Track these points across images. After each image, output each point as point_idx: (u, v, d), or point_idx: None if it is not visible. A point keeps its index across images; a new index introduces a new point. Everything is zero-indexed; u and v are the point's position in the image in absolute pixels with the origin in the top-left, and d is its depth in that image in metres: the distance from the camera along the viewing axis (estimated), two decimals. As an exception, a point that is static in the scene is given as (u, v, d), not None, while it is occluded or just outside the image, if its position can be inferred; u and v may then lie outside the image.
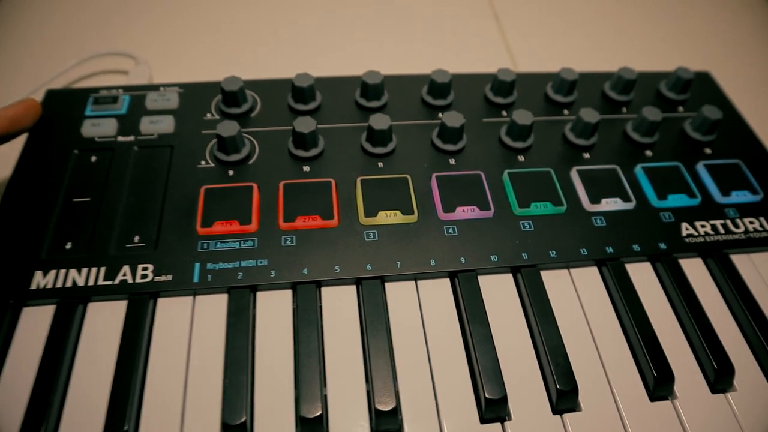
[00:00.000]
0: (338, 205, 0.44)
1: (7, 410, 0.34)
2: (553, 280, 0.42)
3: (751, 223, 0.46)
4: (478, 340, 0.38)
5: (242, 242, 0.41)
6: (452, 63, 0.56)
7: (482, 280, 0.41)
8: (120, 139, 0.47)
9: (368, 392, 0.36)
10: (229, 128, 0.45)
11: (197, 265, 0.40)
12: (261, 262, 0.40)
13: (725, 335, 0.40)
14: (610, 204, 0.45)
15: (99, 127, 0.48)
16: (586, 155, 0.49)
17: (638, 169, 0.48)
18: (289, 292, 0.40)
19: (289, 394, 0.36)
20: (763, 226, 0.46)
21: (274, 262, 0.40)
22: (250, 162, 0.46)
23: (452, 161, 0.47)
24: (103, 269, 0.40)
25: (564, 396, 0.36)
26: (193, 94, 0.51)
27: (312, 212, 0.42)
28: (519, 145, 0.48)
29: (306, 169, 0.46)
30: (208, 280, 0.39)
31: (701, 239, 0.45)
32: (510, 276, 0.42)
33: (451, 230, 0.43)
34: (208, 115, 0.50)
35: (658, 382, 0.37)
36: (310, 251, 0.41)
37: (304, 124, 0.45)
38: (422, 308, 0.40)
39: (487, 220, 0.44)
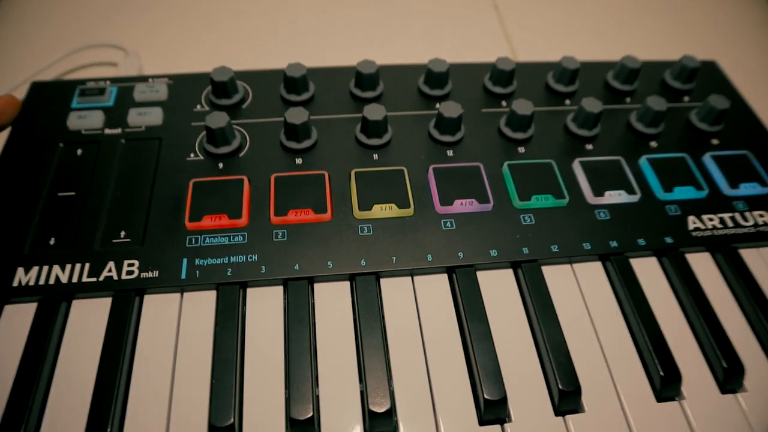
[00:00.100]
0: (331, 198, 0.42)
1: (-15, 412, 0.33)
2: (555, 276, 0.40)
3: (761, 216, 0.45)
4: (477, 338, 0.36)
5: (232, 237, 0.40)
6: (450, 52, 0.54)
7: (481, 275, 0.39)
8: (107, 131, 0.46)
9: (362, 392, 0.34)
10: (218, 120, 0.43)
11: (185, 261, 0.38)
12: (251, 258, 0.39)
13: (735, 333, 0.38)
14: (614, 197, 0.44)
15: (85, 120, 0.46)
16: (589, 146, 0.48)
17: (643, 161, 0.47)
18: (280, 289, 0.38)
19: (279, 394, 0.34)
20: (773, 218, 0.44)
21: (264, 258, 0.39)
22: (241, 154, 0.45)
23: (450, 153, 0.46)
24: (87, 265, 0.38)
25: (566, 397, 0.34)
26: (183, 86, 0.49)
27: (304, 206, 0.41)
28: (519, 136, 0.47)
29: (298, 161, 0.44)
30: (196, 277, 0.38)
31: (709, 233, 0.43)
32: (510, 271, 0.40)
33: (448, 224, 0.41)
34: (198, 106, 0.48)
35: (665, 382, 0.35)
36: (302, 246, 0.39)
37: (296, 115, 0.43)
38: (418, 305, 0.38)
39: (486, 213, 0.42)
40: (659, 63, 0.55)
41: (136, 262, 0.38)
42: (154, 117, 0.47)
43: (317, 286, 0.39)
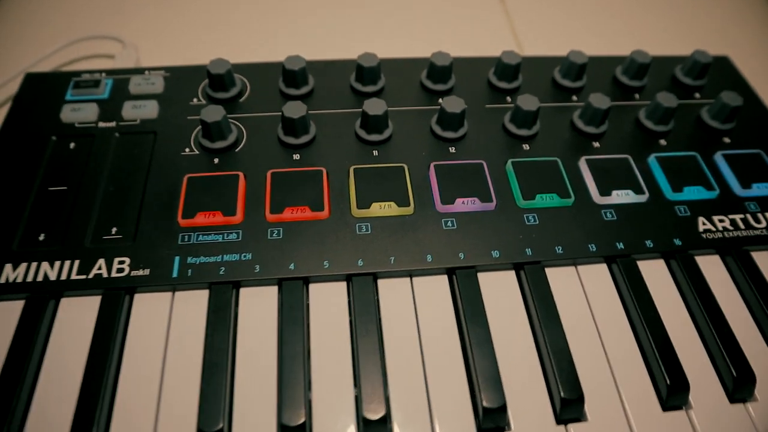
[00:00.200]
0: (329, 195, 0.41)
1: (-32, 413, 0.32)
2: (559, 278, 0.39)
3: (774, 217, 0.43)
4: (477, 342, 0.35)
5: (225, 235, 0.39)
6: (454, 46, 0.53)
7: (482, 277, 0.38)
8: (101, 124, 0.45)
9: (356, 397, 0.33)
10: (214, 113, 0.42)
11: (177, 259, 0.37)
12: (245, 257, 0.38)
13: (745, 339, 0.37)
14: (621, 196, 0.42)
15: (79, 113, 0.45)
16: (596, 144, 0.46)
17: (652, 159, 0.45)
18: (274, 289, 0.37)
19: (271, 399, 0.33)
20: (787, 221, 0.43)
21: (258, 257, 0.38)
22: (237, 149, 0.43)
23: (452, 149, 0.44)
24: (77, 262, 0.37)
25: (569, 405, 0.33)
26: (179, 78, 0.48)
27: (301, 203, 0.40)
28: (524, 132, 0.45)
29: (296, 157, 0.43)
30: (187, 275, 0.37)
31: (719, 235, 0.42)
32: (512, 273, 0.39)
33: (449, 223, 0.40)
34: (195, 100, 0.47)
35: (672, 391, 0.34)
36: (298, 245, 0.38)
37: (294, 109, 0.42)
38: (417, 307, 0.37)
39: (489, 212, 0.41)
40: (670, 58, 0.54)
41: (127, 260, 0.37)
42: (149, 110, 0.46)
43: (312, 287, 0.37)
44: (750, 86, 0.53)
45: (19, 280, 0.36)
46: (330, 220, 0.39)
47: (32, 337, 0.34)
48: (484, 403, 0.32)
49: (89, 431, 0.31)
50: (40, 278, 0.36)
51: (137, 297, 0.37)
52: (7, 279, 0.36)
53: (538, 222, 0.41)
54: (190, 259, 0.37)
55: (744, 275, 0.40)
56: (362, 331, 0.35)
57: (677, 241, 0.41)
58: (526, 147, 0.45)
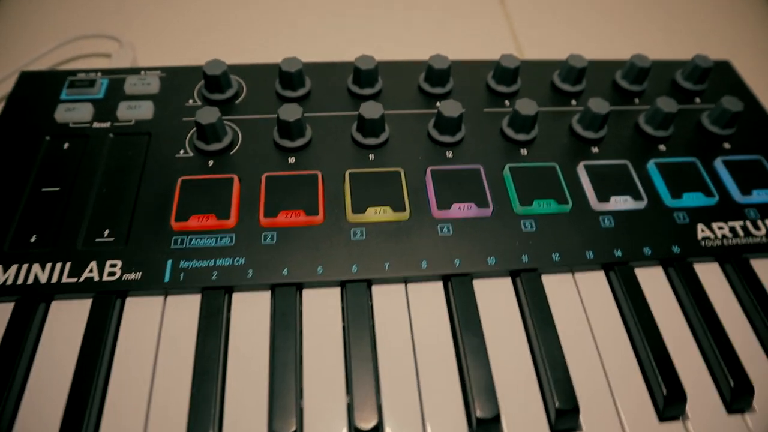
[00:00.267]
0: (324, 200, 0.40)
1: (-45, 418, 0.31)
2: (556, 286, 0.38)
3: (774, 225, 0.43)
4: (471, 351, 0.34)
5: (219, 239, 0.38)
6: (453, 48, 0.52)
7: (478, 284, 0.38)
8: (95, 125, 0.45)
9: (349, 405, 0.33)
10: (208, 115, 0.42)
11: (169, 263, 0.37)
12: (238, 261, 0.37)
13: (744, 349, 0.37)
14: (620, 203, 0.42)
15: (73, 112, 0.45)
16: (595, 149, 0.46)
17: (651, 165, 0.45)
18: (267, 294, 0.37)
19: (262, 406, 0.33)
20: (787, 229, 0.42)
21: (252, 261, 0.37)
22: (232, 152, 0.43)
23: (449, 154, 0.44)
24: (68, 265, 0.37)
25: (563, 415, 0.32)
26: (176, 79, 0.48)
27: (296, 207, 0.39)
28: (522, 137, 0.45)
29: (291, 160, 0.43)
30: (180, 280, 0.36)
31: (718, 242, 0.41)
32: (509, 280, 0.39)
33: (445, 229, 0.39)
34: (190, 101, 0.46)
35: (669, 401, 0.34)
36: (292, 250, 0.38)
37: (290, 112, 0.42)
38: (411, 314, 0.36)
39: (485, 218, 0.40)
40: (670, 62, 0.53)
41: (119, 263, 0.37)
42: (144, 111, 0.45)
43: (306, 293, 0.37)
44: (751, 91, 0.53)
45: (9, 282, 0.36)
46: (324, 225, 0.39)
47: (21, 340, 0.34)
48: (478, 413, 0.32)
49: (77, 437, 0.31)
50: (30, 281, 0.36)
51: (129, 301, 0.36)
52: (-2, 281, 0.36)
53: (535, 228, 0.40)
54: (182, 263, 0.37)
55: (743, 284, 0.40)
56: (355, 339, 0.34)
57: (676, 249, 0.40)
58: (524, 152, 0.45)
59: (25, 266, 0.37)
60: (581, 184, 0.43)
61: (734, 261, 0.41)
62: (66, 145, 0.43)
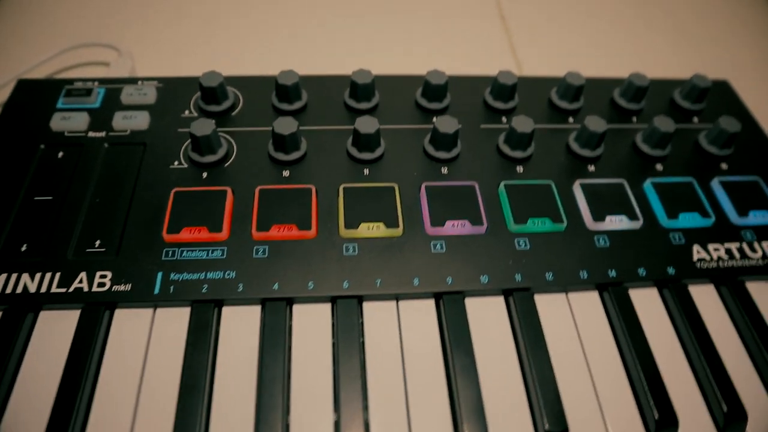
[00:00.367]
0: (317, 214, 0.40)
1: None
2: (549, 306, 0.38)
3: (770, 247, 0.42)
4: (461, 370, 0.34)
5: (210, 251, 0.38)
6: (453, 63, 0.53)
7: (470, 302, 0.37)
8: (91, 134, 0.44)
9: (336, 423, 0.32)
10: (203, 127, 0.41)
11: (159, 275, 0.37)
12: (229, 275, 0.37)
13: (738, 374, 0.36)
14: (615, 222, 0.42)
15: (69, 121, 0.45)
16: (591, 168, 0.45)
17: (647, 185, 0.45)
18: (257, 309, 0.37)
19: (248, 422, 0.32)
20: (783, 251, 0.42)
21: (242, 275, 0.37)
22: (227, 164, 0.43)
23: (444, 170, 0.44)
24: (58, 275, 0.37)
25: (553, 438, 0.32)
26: (172, 89, 0.48)
27: (288, 221, 0.39)
28: (518, 154, 0.45)
29: (286, 174, 0.42)
30: (169, 292, 0.36)
31: (714, 264, 0.41)
32: (501, 299, 0.38)
33: (438, 246, 0.39)
34: (186, 112, 0.46)
35: (660, 426, 0.33)
36: (283, 264, 0.38)
37: (285, 126, 0.42)
38: (402, 332, 0.36)
39: (479, 236, 0.40)
40: (669, 81, 0.53)
41: (109, 274, 0.37)
42: (140, 121, 0.45)
43: (296, 308, 0.37)
44: (749, 112, 0.52)
45: (-2, 291, 0.36)
46: (317, 240, 0.39)
47: (8, 351, 0.33)
48: (466, 434, 0.31)
49: (60, 451, 0.30)
50: (19, 290, 0.36)
51: (117, 313, 0.36)
52: (-14, 290, 0.36)
53: (529, 247, 0.40)
54: (173, 276, 0.37)
55: (738, 307, 0.39)
56: (344, 355, 0.34)
57: (671, 270, 0.40)
58: (519, 169, 0.44)
59: (14, 275, 0.36)
60: (577, 203, 0.43)
61: (730, 283, 0.40)
62: (60, 154, 0.43)
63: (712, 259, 0.41)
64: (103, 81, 0.48)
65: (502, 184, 0.43)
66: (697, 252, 0.41)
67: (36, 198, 0.40)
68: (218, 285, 0.36)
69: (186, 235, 0.38)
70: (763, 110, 0.54)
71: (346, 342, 0.35)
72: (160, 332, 0.35)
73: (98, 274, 0.37)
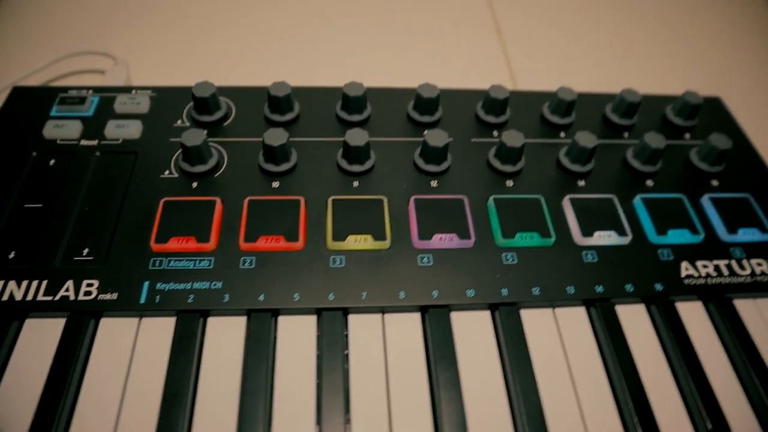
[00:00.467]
0: (305, 226, 0.40)
1: None
2: (535, 321, 0.38)
3: (759, 264, 0.42)
4: (444, 384, 0.34)
5: (197, 262, 0.38)
6: (448, 77, 0.53)
7: (455, 317, 0.37)
8: (83, 142, 0.45)
9: (318, 437, 0.32)
10: (194, 137, 0.42)
11: (146, 284, 0.37)
12: (215, 285, 0.37)
13: (724, 392, 0.36)
14: (604, 238, 0.42)
15: (62, 129, 0.45)
16: (581, 183, 0.45)
17: (637, 201, 0.45)
18: (243, 319, 0.37)
19: (230, 434, 0.32)
20: (772, 269, 0.42)
21: (229, 286, 0.37)
22: (217, 174, 0.43)
23: (434, 183, 0.44)
24: (44, 283, 0.37)
25: (535, 455, 0.32)
26: (166, 99, 0.48)
27: (276, 232, 0.39)
28: (508, 168, 0.45)
29: (275, 185, 0.43)
30: (155, 302, 0.36)
31: (702, 281, 0.41)
32: (487, 313, 0.38)
33: (425, 260, 0.39)
34: (179, 121, 0.47)
35: (644, 444, 0.33)
36: (270, 276, 0.38)
37: (275, 137, 0.42)
38: (387, 345, 0.36)
39: (467, 250, 0.40)
40: (660, 98, 0.53)
41: (96, 282, 0.37)
42: (132, 130, 0.45)
43: (281, 319, 0.37)
44: (740, 129, 0.53)
45: (-17, 299, 0.36)
46: (304, 252, 0.39)
47: (-9, 359, 0.34)
48: (448, 450, 0.31)
49: (40, 461, 0.30)
50: (5, 297, 0.36)
51: (103, 321, 0.36)
52: (-28, 298, 0.36)
53: (516, 261, 0.40)
54: (159, 285, 0.37)
55: (725, 324, 0.39)
56: (328, 368, 0.34)
57: (659, 286, 0.40)
58: (509, 183, 0.45)
59: (0, 283, 0.36)
60: (566, 218, 0.43)
61: (717, 300, 0.40)
62: (52, 162, 0.43)
63: (700, 275, 0.41)
64: (97, 89, 0.49)
65: (491, 198, 0.43)
66: (686, 269, 0.41)
67: (26, 205, 0.40)
68: (204, 295, 0.36)
69: (174, 244, 0.38)
70: (754, 127, 0.54)
71: (330, 354, 0.35)
72: (145, 341, 0.35)
73: (85, 282, 0.37)
